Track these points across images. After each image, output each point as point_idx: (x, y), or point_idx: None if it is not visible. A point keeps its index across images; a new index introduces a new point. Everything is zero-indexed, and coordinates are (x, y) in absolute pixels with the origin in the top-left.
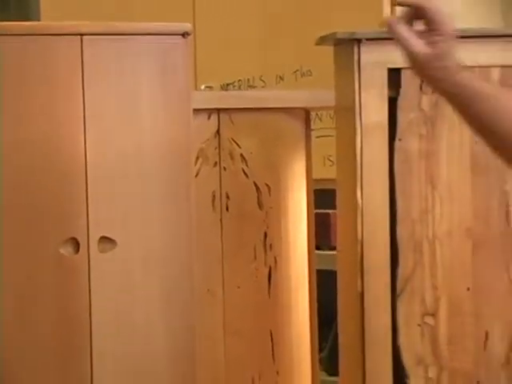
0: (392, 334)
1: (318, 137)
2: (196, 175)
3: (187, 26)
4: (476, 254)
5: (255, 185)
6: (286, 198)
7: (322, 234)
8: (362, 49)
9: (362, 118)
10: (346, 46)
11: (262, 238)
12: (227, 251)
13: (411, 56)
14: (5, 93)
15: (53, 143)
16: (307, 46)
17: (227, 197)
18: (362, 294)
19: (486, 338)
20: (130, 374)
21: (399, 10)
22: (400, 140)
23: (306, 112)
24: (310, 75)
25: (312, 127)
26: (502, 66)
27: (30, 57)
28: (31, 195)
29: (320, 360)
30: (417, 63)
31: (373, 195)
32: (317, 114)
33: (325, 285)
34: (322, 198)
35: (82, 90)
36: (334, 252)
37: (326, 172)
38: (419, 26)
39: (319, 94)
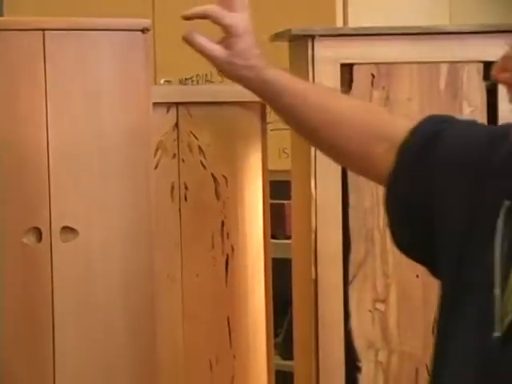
0: (344, 320)
1: (273, 130)
2: (155, 167)
3: (146, 22)
4: None
5: (213, 176)
6: (242, 189)
7: (277, 224)
8: (316, 45)
9: None
10: (300, 42)
11: (220, 227)
12: (186, 239)
13: (213, 61)
14: None
15: (16, 136)
16: (262, 43)
17: (186, 187)
18: (315, 282)
19: (434, 323)
20: (92, 359)
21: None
22: None
23: (262, 106)
24: None
25: (268, 120)
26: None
27: None
28: None
29: (275, 345)
30: (222, 66)
31: (326, 186)
32: None
33: (280, 272)
34: (278, 188)
35: (44, 85)
36: (288, 241)
37: (281, 164)
38: None
39: None
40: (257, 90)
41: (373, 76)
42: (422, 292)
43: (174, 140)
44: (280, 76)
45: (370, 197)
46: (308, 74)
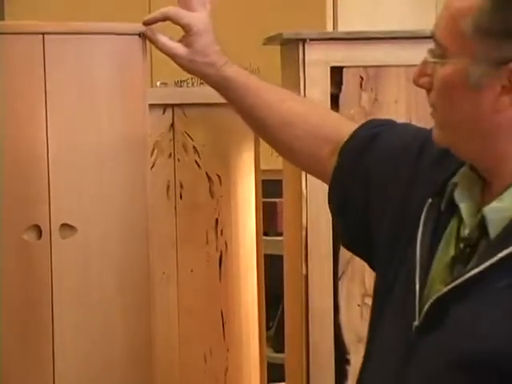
0: (334, 314)
1: None
2: (152, 166)
3: (143, 27)
4: None
5: (207, 175)
6: (235, 188)
7: (269, 221)
8: (307, 48)
9: None
10: (292, 45)
11: (214, 224)
12: (181, 237)
13: (174, 58)
14: None
15: (16, 137)
16: (256, 46)
17: (181, 186)
18: (306, 277)
19: None
20: (90, 351)
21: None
22: None
23: None
24: (259, 73)
25: None
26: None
27: None
28: None
29: (267, 338)
30: (183, 63)
31: (317, 185)
32: None
33: (272, 268)
34: (270, 187)
35: (44, 86)
36: (280, 238)
37: (273, 163)
38: None
39: None
40: (217, 87)
41: (361, 78)
42: None
43: (170, 140)
44: (239, 74)
45: None
46: (299, 77)
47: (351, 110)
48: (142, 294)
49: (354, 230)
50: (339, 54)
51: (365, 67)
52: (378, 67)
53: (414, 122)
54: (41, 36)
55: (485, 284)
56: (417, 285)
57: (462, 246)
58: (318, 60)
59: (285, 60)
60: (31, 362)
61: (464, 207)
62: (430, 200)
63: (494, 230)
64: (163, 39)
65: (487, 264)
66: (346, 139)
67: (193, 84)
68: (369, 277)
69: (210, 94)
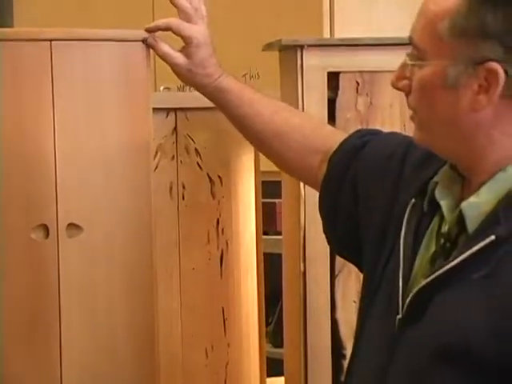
0: (330, 310)
1: None
2: (155, 168)
3: (147, 34)
4: None
5: (208, 176)
6: (236, 189)
7: (268, 221)
8: (305, 54)
9: None
10: (290, 51)
11: (215, 224)
12: (183, 236)
13: (174, 67)
14: None
15: (24, 140)
16: (255, 51)
17: (183, 187)
18: (304, 274)
19: None
20: (96, 348)
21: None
22: None
23: None
24: (258, 78)
25: None
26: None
27: (2, 61)
28: (5, 187)
29: (266, 333)
30: (181, 73)
31: None
32: None
33: (271, 266)
34: (269, 188)
35: (51, 91)
36: (279, 237)
37: (272, 165)
38: None
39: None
40: (212, 97)
41: (357, 83)
42: None
43: (173, 143)
44: (234, 86)
45: None
46: (297, 81)
47: (347, 114)
48: (145, 290)
49: (343, 236)
50: (336, 60)
51: (360, 72)
52: (373, 72)
53: (407, 125)
54: (48, 42)
55: (463, 275)
56: (400, 281)
57: (442, 241)
58: (315, 65)
59: (283, 65)
60: (38, 358)
61: (445, 204)
62: (412, 200)
63: (471, 225)
64: (165, 48)
65: (465, 256)
66: (334, 149)
67: None
68: None
69: None
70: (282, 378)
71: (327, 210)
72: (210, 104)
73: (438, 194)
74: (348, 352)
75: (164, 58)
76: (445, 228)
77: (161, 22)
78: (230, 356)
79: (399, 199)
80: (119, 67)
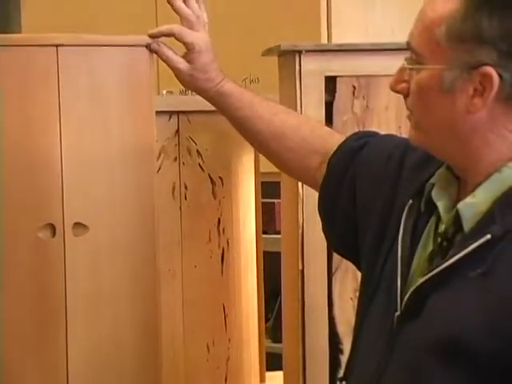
0: (328, 307)
1: None
2: (158, 169)
3: (150, 39)
4: None
5: (210, 177)
6: (236, 189)
7: (268, 220)
8: (303, 59)
9: None
10: (289, 56)
11: (216, 223)
12: (185, 235)
13: (176, 72)
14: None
15: (32, 142)
16: (255, 57)
17: (185, 187)
18: (302, 272)
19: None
20: (101, 343)
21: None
22: None
23: None
24: (258, 82)
25: None
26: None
27: (11, 66)
28: (13, 188)
29: (266, 329)
30: (183, 78)
31: None
32: None
33: (270, 264)
34: (268, 188)
35: (57, 95)
36: (278, 236)
37: (272, 166)
38: None
39: None
40: (213, 101)
41: (354, 87)
42: None
43: (175, 145)
44: (234, 90)
45: None
46: (296, 85)
47: (344, 117)
48: (149, 287)
49: (342, 237)
50: (333, 65)
51: (357, 77)
52: (370, 77)
53: (402, 127)
54: (55, 48)
55: (459, 273)
56: (398, 280)
57: (439, 240)
58: (313, 70)
59: (282, 70)
60: (45, 352)
61: (441, 205)
62: (410, 201)
63: (467, 224)
64: (168, 53)
65: (461, 255)
66: (333, 150)
67: None
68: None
69: None
70: (281, 373)
71: (326, 210)
72: (211, 107)
73: (434, 195)
74: (345, 347)
75: (167, 61)
76: (442, 228)
77: (164, 27)
78: (230, 351)
79: (397, 200)
80: (123, 72)
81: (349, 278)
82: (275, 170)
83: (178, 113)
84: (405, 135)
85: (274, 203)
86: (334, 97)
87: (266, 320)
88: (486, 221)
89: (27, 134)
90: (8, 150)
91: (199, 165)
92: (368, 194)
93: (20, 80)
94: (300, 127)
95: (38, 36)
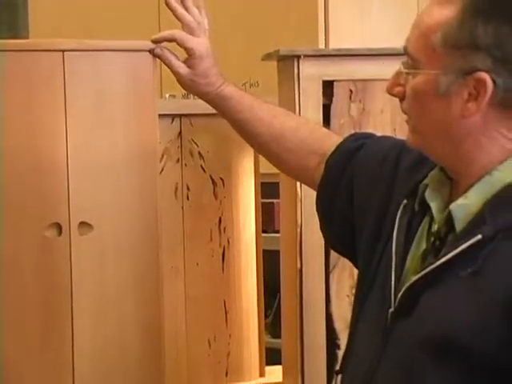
0: (325, 304)
1: None
2: (161, 170)
3: (153, 44)
4: None
5: (211, 178)
6: (237, 190)
7: (267, 220)
8: (301, 64)
9: None
10: (288, 61)
11: (217, 222)
12: (188, 234)
13: (177, 76)
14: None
15: (39, 145)
16: (255, 61)
17: (188, 188)
18: (300, 270)
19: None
20: (107, 339)
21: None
22: None
23: None
24: (258, 86)
25: None
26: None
27: (17, 71)
28: (21, 188)
29: (265, 325)
30: (184, 82)
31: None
32: None
33: (270, 262)
34: (268, 189)
35: (63, 99)
36: (277, 235)
37: (271, 167)
38: None
39: None
40: (213, 104)
41: (351, 91)
42: None
43: (178, 147)
44: (235, 93)
45: None
46: (294, 89)
47: (341, 120)
48: (152, 285)
49: (339, 235)
50: (331, 69)
51: (354, 81)
52: (366, 81)
53: (397, 130)
54: (61, 53)
55: (451, 272)
56: (392, 277)
57: (432, 239)
58: (311, 74)
59: (281, 74)
60: (51, 350)
61: (434, 206)
62: (404, 201)
63: (459, 225)
64: (171, 58)
65: (453, 254)
66: (331, 151)
67: None
68: (357, 270)
69: None
70: (280, 367)
71: (324, 210)
72: (212, 110)
73: (428, 195)
74: (342, 342)
75: (169, 65)
76: (434, 227)
77: (165, 33)
78: (231, 346)
79: (393, 200)
80: (127, 76)
81: (345, 275)
82: (275, 170)
83: (180, 116)
84: (399, 137)
85: (273, 203)
86: (331, 100)
87: (266, 316)
88: (477, 221)
89: (34, 136)
90: (15, 153)
91: (201, 166)
92: (365, 193)
93: (26, 84)
94: (299, 129)
95: (45, 41)
